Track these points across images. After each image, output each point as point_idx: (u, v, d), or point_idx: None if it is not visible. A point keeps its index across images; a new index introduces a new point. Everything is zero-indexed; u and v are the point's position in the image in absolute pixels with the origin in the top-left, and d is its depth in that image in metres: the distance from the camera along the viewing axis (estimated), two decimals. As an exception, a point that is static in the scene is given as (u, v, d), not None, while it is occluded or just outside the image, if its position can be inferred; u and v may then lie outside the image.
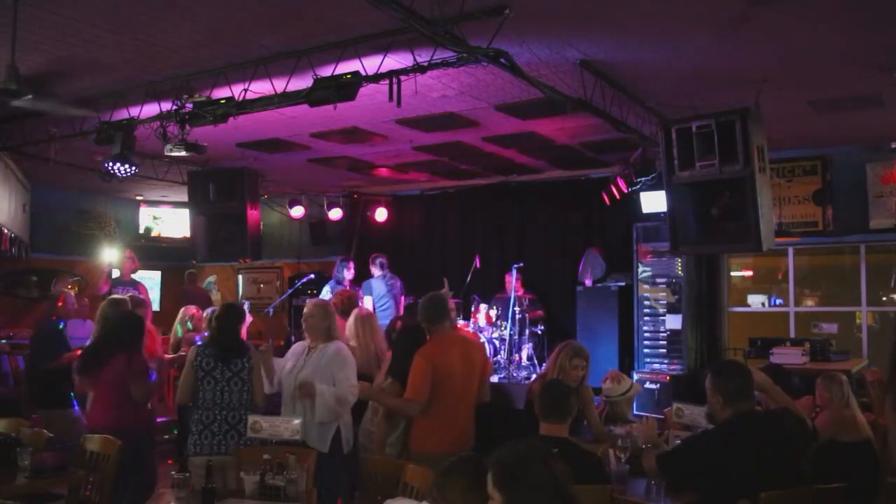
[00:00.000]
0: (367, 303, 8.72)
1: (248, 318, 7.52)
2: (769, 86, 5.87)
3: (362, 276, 9.56)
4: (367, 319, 5.65)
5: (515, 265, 8.69)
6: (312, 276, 10.44)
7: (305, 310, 4.95)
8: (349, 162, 9.35)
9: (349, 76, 5.08)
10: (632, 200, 8.43)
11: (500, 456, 2.31)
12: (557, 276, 9.90)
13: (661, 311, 8.79)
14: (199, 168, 8.80)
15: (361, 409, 4.99)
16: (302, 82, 5.37)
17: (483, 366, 4.79)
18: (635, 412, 7.61)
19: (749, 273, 9.63)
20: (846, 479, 3.57)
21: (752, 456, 3.41)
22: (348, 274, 9.18)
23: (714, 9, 4.60)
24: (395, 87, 5.11)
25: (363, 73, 5.13)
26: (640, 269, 8.94)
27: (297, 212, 11.00)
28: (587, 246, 9.53)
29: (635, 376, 8.32)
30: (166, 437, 7.28)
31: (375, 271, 9.23)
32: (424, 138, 7.98)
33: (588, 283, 9.28)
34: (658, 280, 8.85)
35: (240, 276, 12.67)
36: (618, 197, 8.36)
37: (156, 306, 10.70)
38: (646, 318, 8.88)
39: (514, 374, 8.12)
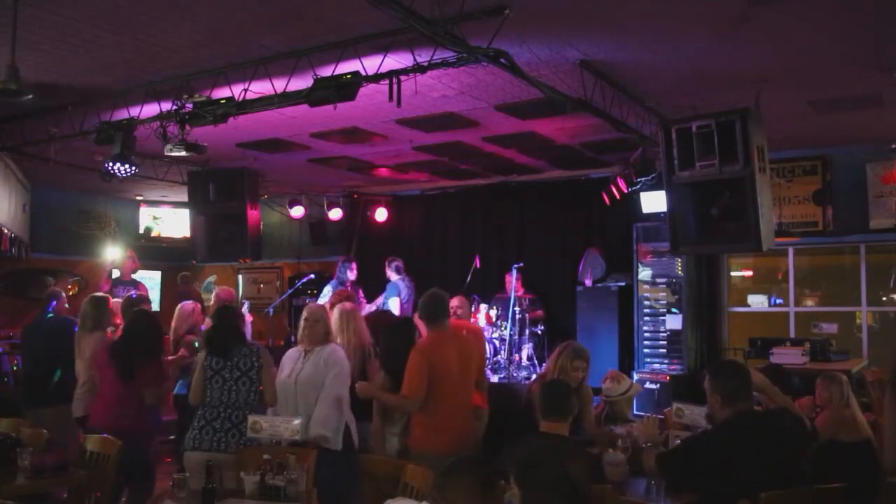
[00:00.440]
0: (395, 304, 8.67)
1: (249, 318, 7.54)
2: (769, 86, 5.87)
3: (363, 276, 9.56)
4: (350, 314, 5.58)
5: (515, 265, 8.68)
6: (312, 276, 10.43)
7: (306, 314, 4.91)
8: (349, 162, 9.34)
9: (349, 76, 5.08)
10: (632, 200, 8.43)
11: (521, 452, 2.36)
12: (557, 276, 9.89)
13: (661, 311, 8.79)
14: (199, 168, 8.80)
15: (365, 409, 4.99)
16: (302, 82, 5.37)
17: (480, 355, 4.82)
18: (635, 412, 7.62)
19: (749, 273, 9.63)
20: (846, 479, 3.57)
21: (751, 456, 3.41)
22: (351, 275, 9.16)
23: (714, 9, 4.60)
24: (395, 87, 5.11)
25: (363, 73, 5.13)
26: (640, 269, 8.93)
27: (297, 212, 11.00)
28: (587, 246, 9.52)
29: (635, 376, 8.32)
30: (171, 437, 7.26)
31: (393, 275, 9.12)
32: (424, 138, 7.98)
33: (588, 283, 9.28)
34: (658, 280, 8.85)
35: (240, 276, 12.66)
36: (618, 197, 8.35)
37: (156, 306, 10.68)
38: (646, 318, 8.88)
39: (514, 374, 8.13)
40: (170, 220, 12.03)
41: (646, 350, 8.85)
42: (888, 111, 6.69)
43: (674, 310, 8.69)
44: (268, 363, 4.74)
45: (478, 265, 8.98)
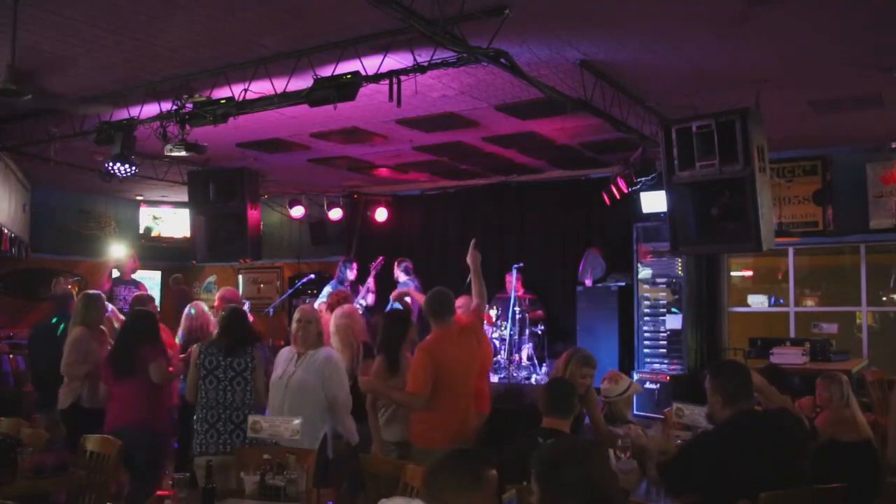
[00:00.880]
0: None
1: (249, 318, 7.53)
2: (769, 86, 5.87)
3: (363, 276, 9.54)
4: (349, 316, 5.60)
5: (515, 265, 8.68)
6: (312, 276, 10.43)
7: (298, 315, 4.87)
8: (349, 162, 9.34)
9: (349, 76, 5.09)
10: (632, 200, 8.43)
11: (541, 452, 2.39)
12: (557, 276, 9.89)
13: (661, 311, 8.79)
14: (199, 168, 8.80)
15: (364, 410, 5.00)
16: (302, 82, 5.37)
17: (481, 359, 4.85)
18: (635, 412, 7.62)
19: (749, 273, 9.62)
20: (846, 479, 3.57)
21: (752, 456, 3.40)
22: (351, 275, 9.16)
23: (714, 9, 4.60)
24: (395, 87, 5.11)
25: (363, 73, 5.13)
26: (640, 269, 8.93)
27: (297, 212, 11.00)
28: (587, 246, 9.52)
29: (635, 376, 8.32)
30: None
31: (402, 275, 9.11)
32: (424, 138, 7.98)
33: (588, 283, 9.27)
34: (658, 280, 8.84)
35: (240, 276, 12.66)
36: (618, 197, 8.35)
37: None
38: (646, 318, 8.88)
39: (514, 374, 8.13)
40: (170, 220, 12.03)
41: (646, 350, 8.85)
42: (888, 111, 6.69)
43: (674, 310, 8.69)
44: (260, 364, 4.75)
45: (477, 265, 8.96)
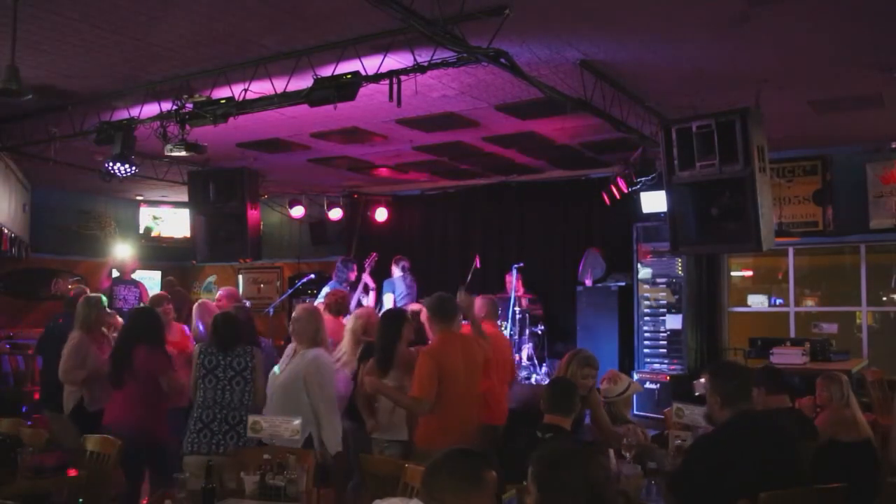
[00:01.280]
0: (389, 300, 8.70)
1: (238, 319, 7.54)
2: (769, 86, 5.87)
3: (360, 275, 9.55)
4: (365, 317, 5.62)
5: (515, 265, 8.68)
6: (312, 276, 10.42)
7: (294, 314, 4.95)
8: (349, 162, 9.34)
9: (349, 76, 5.08)
10: (632, 200, 8.43)
11: (540, 455, 2.38)
12: (557, 276, 9.89)
13: (661, 311, 8.79)
14: (199, 168, 8.80)
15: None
16: (302, 82, 5.37)
17: (484, 365, 4.84)
18: (635, 412, 7.63)
19: (749, 273, 9.62)
20: (846, 479, 3.57)
21: (751, 456, 3.41)
22: (351, 275, 9.16)
23: (714, 9, 4.60)
24: (395, 87, 5.11)
25: (363, 73, 5.13)
26: (640, 269, 8.94)
27: (297, 212, 11.00)
28: (587, 246, 9.52)
29: (635, 376, 8.32)
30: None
31: (397, 271, 9.20)
32: (424, 138, 7.98)
33: (588, 283, 9.27)
34: (658, 280, 8.85)
35: (240, 276, 12.66)
36: (618, 197, 8.36)
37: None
38: (646, 318, 8.88)
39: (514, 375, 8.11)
40: (170, 220, 12.04)
41: (646, 350, 8.85)
42: (888, 111, 6.69)
43: (674, 310, 8.69)
44: (259, 364, 4.75)
45: (478, 265, 8.98)
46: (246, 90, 5.63)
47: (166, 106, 6.07)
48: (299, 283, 10.33)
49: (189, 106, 5.79)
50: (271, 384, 4.79)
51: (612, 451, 4.04)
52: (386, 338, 4.85)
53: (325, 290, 8.90)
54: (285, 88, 5.49)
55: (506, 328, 8.38)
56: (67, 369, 5.56)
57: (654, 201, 8.11)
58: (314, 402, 4.58)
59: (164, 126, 6.17)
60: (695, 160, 5.80)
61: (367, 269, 9.17)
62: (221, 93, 5.84)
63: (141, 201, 11.80)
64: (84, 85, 6.09)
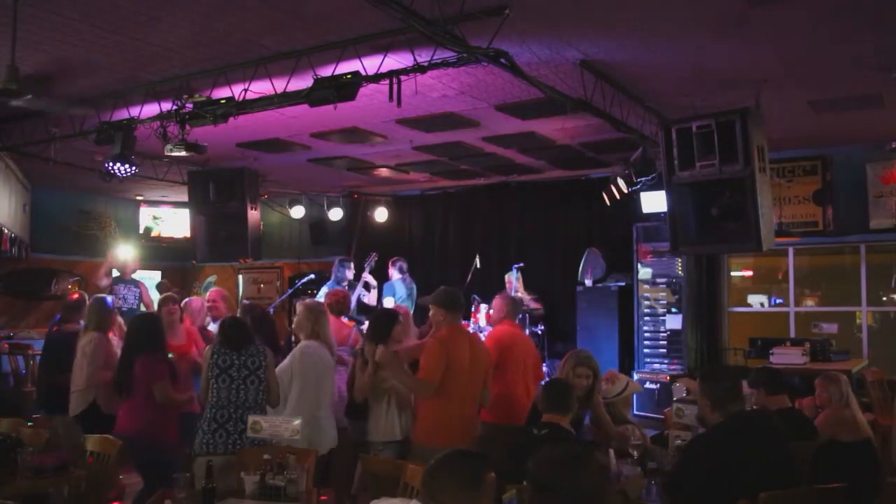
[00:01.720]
0: (389, 304, 8.68)
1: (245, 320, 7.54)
2: (769, 86, 5.87)
3: (359, 275, 9.54)
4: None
5: (515, 265, 8.68)
6: (312, 276, 10.41)
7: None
8: (349, 162, 9.34)
9: (349, 76, 5.08)
10: (632, 200, 8.43)
11: (537, 458, 2.38)
12: (557, 276, 9.90)
13: (661, 311, 8.80)
14: (199, 168, 8.80)
15: (361, 409, 5.00)
16: (302, 82, 5.36)
17: (487, 367, 4.85)
18: (635, 412, 7.63)
19: (749, 273, 9.62)
20: (846, 479, 3.57)
21: (746, 457, 3.41)
22: (349, 274, 9.16)
23: (714, 9, 4.60)
24: (395, 87, 5.10)
25: (363, 73, 5.13)
26: (640, 269, 8.94)
27: (298, 212, 11.00)
28: (587, 246, 9.53)
29: (635, 376, 8.33)
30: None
31: (395, 274, 9.17)
32: (424, 138, 7.98)
33: (588, 283, 9.28)
34: (658, 280, 8.85)
35: (240, 276, 12.66)
36: (618, 197, 8.35)
37: (155, 306, 10.67)
38: (646, 318, 8.89)
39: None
40: (170, 220, 12.04)
41: (646, 350, 8.85)
42: (888, 111, 6.69)
43: (674, 310, 8.69)
44: (272, 364, 4.75)
45: (478, 265, 8.98)
46: (246, 90, 5.62)
47: (166, 106, 6.07)
48: (299, 283, 10.31)
49: (189, 106, 5.79)
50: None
51: (612, 451, 4.04)
52: (376, 338, 4.85)
53: (324, 290, 8.91)
54: (285, 88, 5.49)
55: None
56: (92, 373, 5.50)
57: (654, 201, 8.11)
58: (285, 388, 4.76)
59: (164, 126, 6.16)
60: (695, 160, 5.81)
61: (368, 269, 9.17)
62: (221, 93, 5.84)
63: (141, 201, 11.80)
64: (84, 85, 6.08)
